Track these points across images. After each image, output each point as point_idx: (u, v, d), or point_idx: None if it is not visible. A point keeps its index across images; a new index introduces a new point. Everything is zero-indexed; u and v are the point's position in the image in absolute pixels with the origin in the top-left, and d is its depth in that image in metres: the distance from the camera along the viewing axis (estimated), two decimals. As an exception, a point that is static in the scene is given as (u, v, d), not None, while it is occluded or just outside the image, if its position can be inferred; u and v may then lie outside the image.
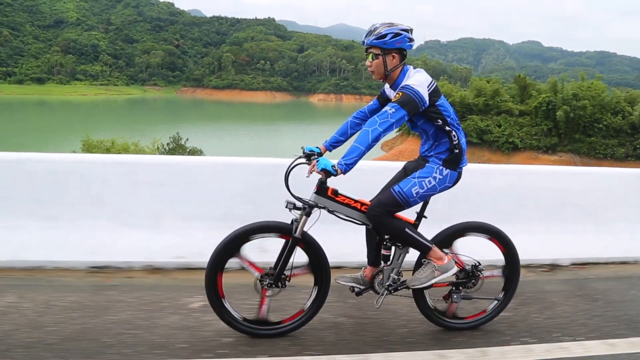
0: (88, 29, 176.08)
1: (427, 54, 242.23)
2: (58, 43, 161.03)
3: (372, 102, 3.20)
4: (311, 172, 2.75)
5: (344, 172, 2.66)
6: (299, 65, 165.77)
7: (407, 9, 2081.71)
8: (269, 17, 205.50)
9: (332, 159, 2.84)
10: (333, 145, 3.18)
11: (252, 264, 2.94)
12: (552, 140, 46.23)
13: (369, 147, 2.65)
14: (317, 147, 3.14)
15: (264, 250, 3.17)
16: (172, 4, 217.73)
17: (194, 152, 33.74)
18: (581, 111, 44.59)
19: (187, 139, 37.30)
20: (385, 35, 2.77)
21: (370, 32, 2.82)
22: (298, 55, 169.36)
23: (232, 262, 2.91)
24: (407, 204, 2.90)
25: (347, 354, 2.85)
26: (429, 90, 2.77)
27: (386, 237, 3.03)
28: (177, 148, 34.93)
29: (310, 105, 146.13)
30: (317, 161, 2.70)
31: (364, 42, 2.86)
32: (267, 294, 2.94)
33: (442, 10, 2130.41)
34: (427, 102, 2.76)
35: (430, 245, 2.97)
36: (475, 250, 3.18)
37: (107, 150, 27.38)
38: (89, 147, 28.32)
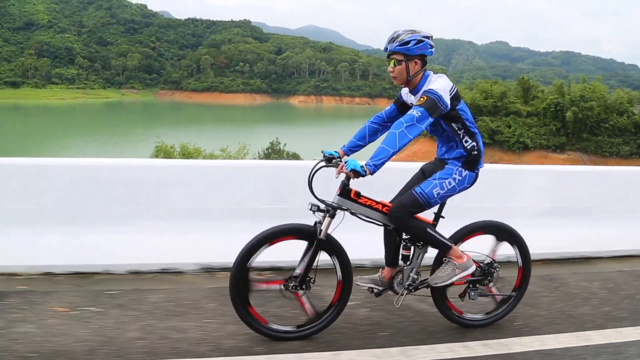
0: (60, 31, 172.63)
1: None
2: (31, 46, 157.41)
3: (389, 107, 3.25)
4: (339, 173, 2.78)
5: (372, 173, 2.71)
6: (278, 67, 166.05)
7: (376, 11, 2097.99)
8: (244, 19, 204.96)
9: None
10: (351, 149, 3.21)
11: (267, 282, 3.05)
12: (560, 140, 48.29)
13: (397, 149, 2.72)
14: (335, 151, 3.15)
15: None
16: (145, 6, 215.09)
17: (296, 157, 33.47)
18: (589, 112, 46.85)
19: (285, 144, 37.17)
20: (408, 42, 2.83)
21: (393, 39, 2.86)
22: (276, 57, 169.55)
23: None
24: (428, 204, 2.97)
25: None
26: (450, 94, 2.85)
27: (405, 237, 3.10)
28: (274, 152, 34.84)
29: (290, 107, 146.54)
30: (345, 162, 2.74)
31: (386, 48, 2.91)
32: (300, 295, 2.96)
33: (411, 12, 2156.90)
34: (449, 106, 2.84)
35: (450, 244, 3.05)
36: (490, 248, 3.29)
37: (190, 156, 27.25)
38: (165, 153, 28.09)
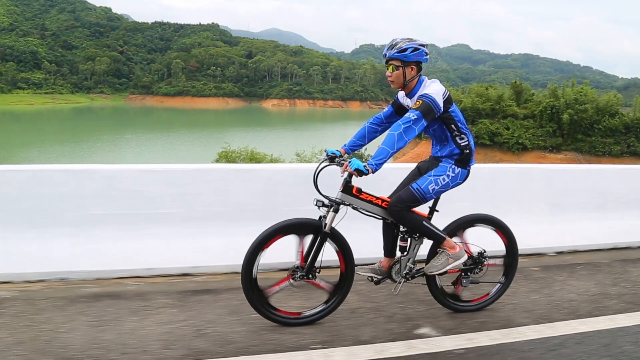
0: (23, 34, 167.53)
1: (363, 58, 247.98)
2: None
3: (386, 109, 3.46)
4: (344, 172, 3.03)
5: (374, 172, 2.94)
6: (250, 70, 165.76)
7: (337, 14, 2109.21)
8: (213, 23, 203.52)
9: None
10: (352, 148, 3.43)
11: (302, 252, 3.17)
12: (557, 141, 51.38)
13: (396, 150, 2.94)
14: (337, 150, 3.37)
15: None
16: (110, 9, 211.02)
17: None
18: (583, 114, 50.13)
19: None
20: (405, 50, 3.06)
21: (392, 46, 3.09)
22: (247, 61, 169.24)
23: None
24: (424, 199, 3.21)
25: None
26: (443, 98, 3.07)
27: (402, 230, 3.34)
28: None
29: (264, 110, 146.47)
30: (349, 162, 2.95)
31: (385, 54, 3.12)
32: (288, 280, 3.17)
33: (372, 15, 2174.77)
34: (442, 109, 3.07)
35: (444, 235, 3.28)
36: (479, 239, 3.53)
37: (258, 160, 27.51)
38: (227, 157, 28.30)
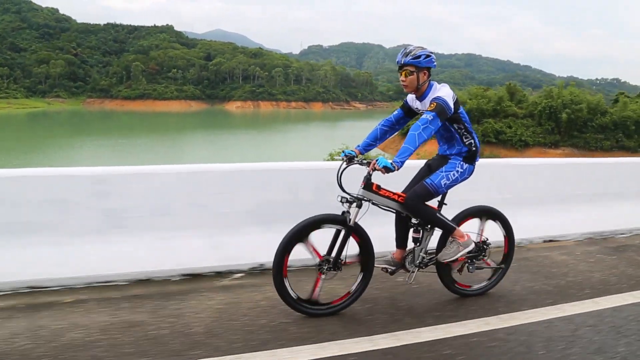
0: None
1: (312, 59, 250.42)
2: None
3: (396, 112, 3.70)
4: (373, 170, 3.25)
5: (399, 168, 3.17)
6: (210, 73, 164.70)
7: (282, 15, 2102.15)
8: (168, 25, 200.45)
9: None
10: (366, 148, 3.63)
11: (315, 250, 3.35)
12: (555, 138, 56.73)
13: (416, 148, 3.19)
14: (352, 150, 3.59)
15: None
16: (57, 10, 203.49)
17: None
18: (579, 113, 55.80)
19: None
20: (419, 56, 3.32)
21: (406, 53, 3.35)
22: (207, 63, 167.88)
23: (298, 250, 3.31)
24: (436, 193, 3.48)
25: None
26: (453, 100, 3.34)
27: (415, 222, 3.61)
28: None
29: (227, 113, 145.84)
30: (376, 160, 3.20)
31: (400, 61, 3.37)
32: (321, 277, 3.36)
33: (317, 17, 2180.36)
34: (453, 110, 3.33)
35: (454, 226, 3.55)
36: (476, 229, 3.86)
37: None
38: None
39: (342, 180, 3.35)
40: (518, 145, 54.45)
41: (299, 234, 3.27)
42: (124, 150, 64.40)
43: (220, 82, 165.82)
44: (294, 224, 3.32)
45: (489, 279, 3.98)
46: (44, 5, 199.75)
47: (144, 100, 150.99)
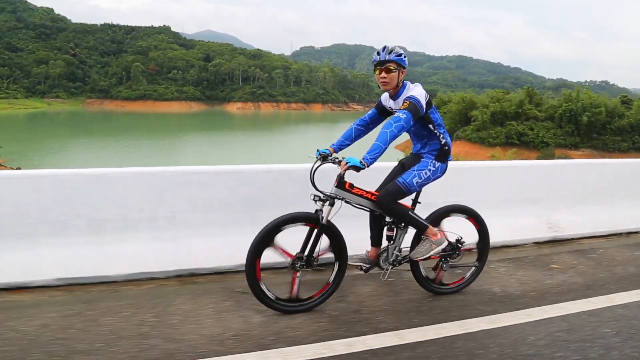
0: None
1: (305, 60, 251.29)
2: None
3: (371, 111, 3.77)
4: (344, 170, 3.25)
5: (369, 165, 3.19)
6: (210, 74, 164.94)
7: (272, 16, 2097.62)
8: (164, 25, 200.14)
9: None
10: (340, 147, 3.70)
11: (284, 251, 3.38)
12: (575, 140, 59.28)
13: (388, 145, 3.23)
14: (327, 149, 3.63)
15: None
16: (52, 10, 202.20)
17: None
18: (599, 116, 58.45)
19: None
20: (401, 55, 3.42)
21: (390, 51, 3.41)
22: (206, 64, 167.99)
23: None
24: (409, 191, 3.52)
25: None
26: (425, 100, 3.39)
27: (389, 220, 3.65)
28: None
29: (228, 114, 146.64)
30: (346, 160, 3.22)
31: (384, 57, 3.41)
32: (297, 275, 3.41)
33: (307, 18, 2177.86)
34: (425, 110, 3.40)
35: (427, 224, 3.58)
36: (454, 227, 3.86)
37: None
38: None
39: (315, 179, 3.40)
40: (540, 147, 56.52)
41: (265, 238, 3.29)
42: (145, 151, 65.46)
43: (220, 83, 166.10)
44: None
45: (464, 277, 4.00)
46: (38, 5, 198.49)
47: (144, 100, 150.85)
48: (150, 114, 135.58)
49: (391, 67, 3.40)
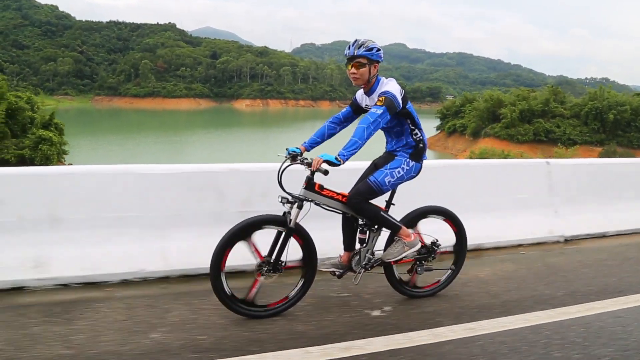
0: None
1: (306, 57, 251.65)
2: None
3: (345, 109, 3.67)
4: (316, 170, 3.11)
5: (345, 162, 3.07)
6: (217, 71, 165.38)
7: (271, 13, 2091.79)
8: (170, 23, 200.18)
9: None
10: (312, 145, 3.57)
11: (257, 250, 3.25)
12: (600, 137, 60.88)
13: (365, 141, 3.11)
14: (297, 148, 3.47)
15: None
16: (57, 7, 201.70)
17: None
18: (624, 114, 60.21)
19: None
20: (372, 49, 3.28)
21: (360, 45, 3.27)
22: (213, 61, 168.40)
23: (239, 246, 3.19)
24: (380, 191, 3.39)
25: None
26: (401, 96, 3.28)
27: (362, 222, 3.50)
28: None
29: (237, 111, 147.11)
30: (320, 156, 3.10)
31: (353, 52, 3.27)
32: (260, 279, 3.25)
33: (306, 15, 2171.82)
34: (401, 106, 3.29)
35: (400, 225, 3.46)
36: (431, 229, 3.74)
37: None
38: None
39: (282, 180, 3.27)
40: (567, 144, 57.76)
41: (240, 232, 3.19)
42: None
43: (228, 80, 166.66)
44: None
45: (439, 280, 3.89)
46: (42, 2, 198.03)
47: (153, 97, 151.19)
48: (159, 111, 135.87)
49: (362, 62, 3.30)
